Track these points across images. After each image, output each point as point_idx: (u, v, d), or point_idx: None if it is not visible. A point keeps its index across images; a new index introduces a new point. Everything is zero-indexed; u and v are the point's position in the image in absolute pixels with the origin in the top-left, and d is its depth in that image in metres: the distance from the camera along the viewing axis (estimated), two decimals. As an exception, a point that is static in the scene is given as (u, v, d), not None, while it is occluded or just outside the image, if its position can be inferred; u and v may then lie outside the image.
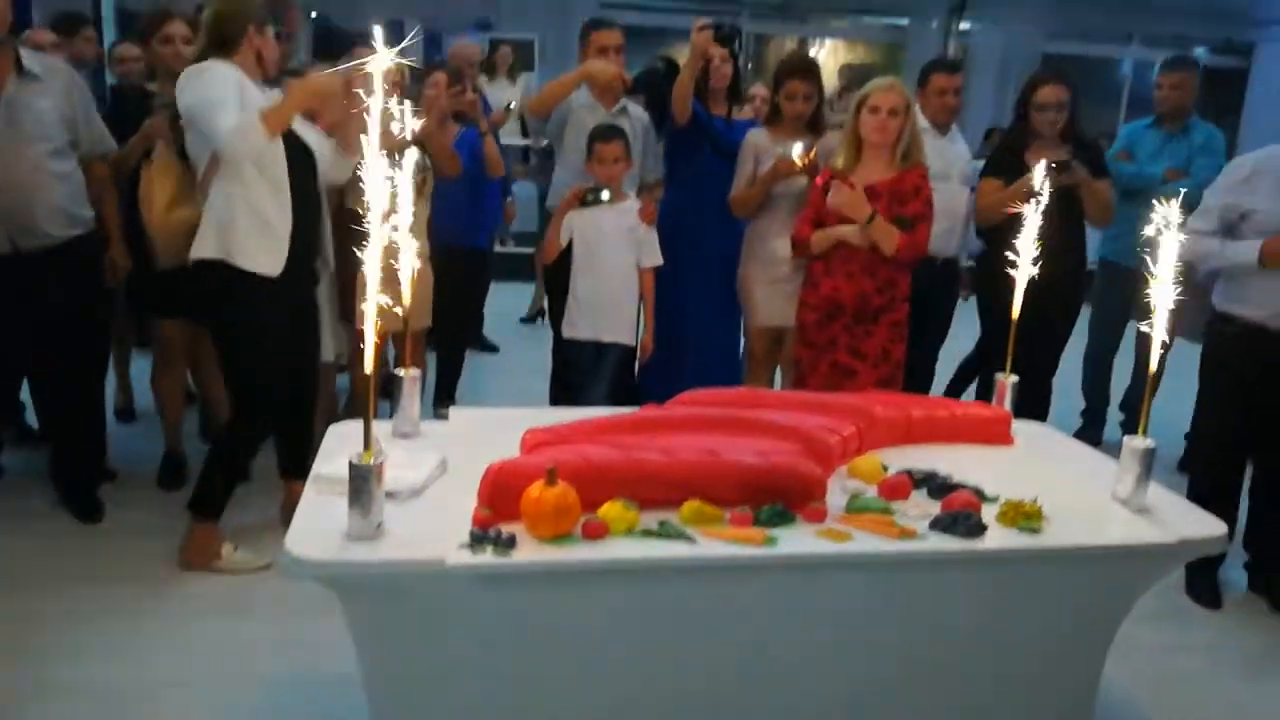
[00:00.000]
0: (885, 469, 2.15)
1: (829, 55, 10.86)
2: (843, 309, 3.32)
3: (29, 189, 3.00)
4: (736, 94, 3.96)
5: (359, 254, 1.63)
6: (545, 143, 4.38)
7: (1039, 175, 2.45)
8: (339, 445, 2.10)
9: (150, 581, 3.01)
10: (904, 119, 3.25)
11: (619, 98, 3.83)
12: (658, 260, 3.68)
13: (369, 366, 1.69)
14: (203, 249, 2.87)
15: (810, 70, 3.67)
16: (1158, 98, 4.43)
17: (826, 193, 3.29)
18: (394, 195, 1.96)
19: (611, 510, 1.83)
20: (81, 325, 3.26)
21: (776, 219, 3.67)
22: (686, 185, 3.93)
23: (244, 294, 2.89)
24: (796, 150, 3.48)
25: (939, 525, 1.92)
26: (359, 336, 1.81)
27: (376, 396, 1.95)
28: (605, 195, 3.52)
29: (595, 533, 1.79)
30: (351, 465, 1.69)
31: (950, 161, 3.94)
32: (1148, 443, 2.08)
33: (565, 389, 3.82)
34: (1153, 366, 2.07)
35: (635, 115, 3.92)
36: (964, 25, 10.16)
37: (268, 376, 2.99)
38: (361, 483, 1.69)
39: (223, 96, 2.73)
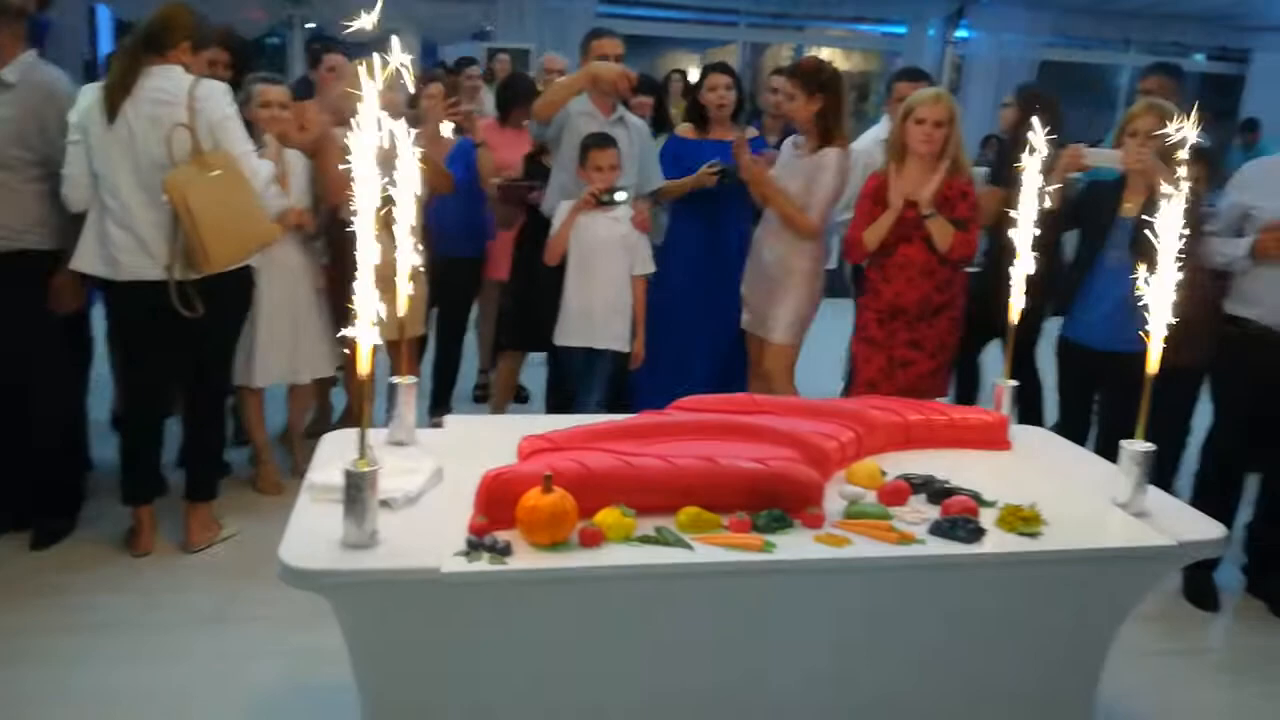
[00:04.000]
0: (883, 474, 2.15)
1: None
2: (905, 311, 3.43)
3: None
4: (738, 118, 4.14)
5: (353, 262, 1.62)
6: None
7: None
8: (334, 454, 2.09)
9: (142, 591, 3.00)
10: (949, 129, 3.31)
11: (625, 98, 3.89)
12: (650, 268, 3.70)
13: (363, 371, 1.68)
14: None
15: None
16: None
17: (874, 198, 3.41)
18: (389, 204, 1.95)
19: (608, 517, 1.82)
20: (24, 344, 3.12)
21: (769, 227, 3.79)
22: (690, 207, 4.06)
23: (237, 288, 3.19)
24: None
25: (938, 530, 1.92)
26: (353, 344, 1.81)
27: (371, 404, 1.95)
28: (621, 196, 3.52)
29: (592, 540, 1.78)
30: (347, 473, 1.68)
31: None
32: (1146, 446, 2.07)
33: (560, 396, 3.82)
34: (1152, 368, 2.06)
35: (633, 124, 3.92)
36: (961, 33, 10.18)
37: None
38: (356, 491, 1.68)
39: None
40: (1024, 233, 2.43)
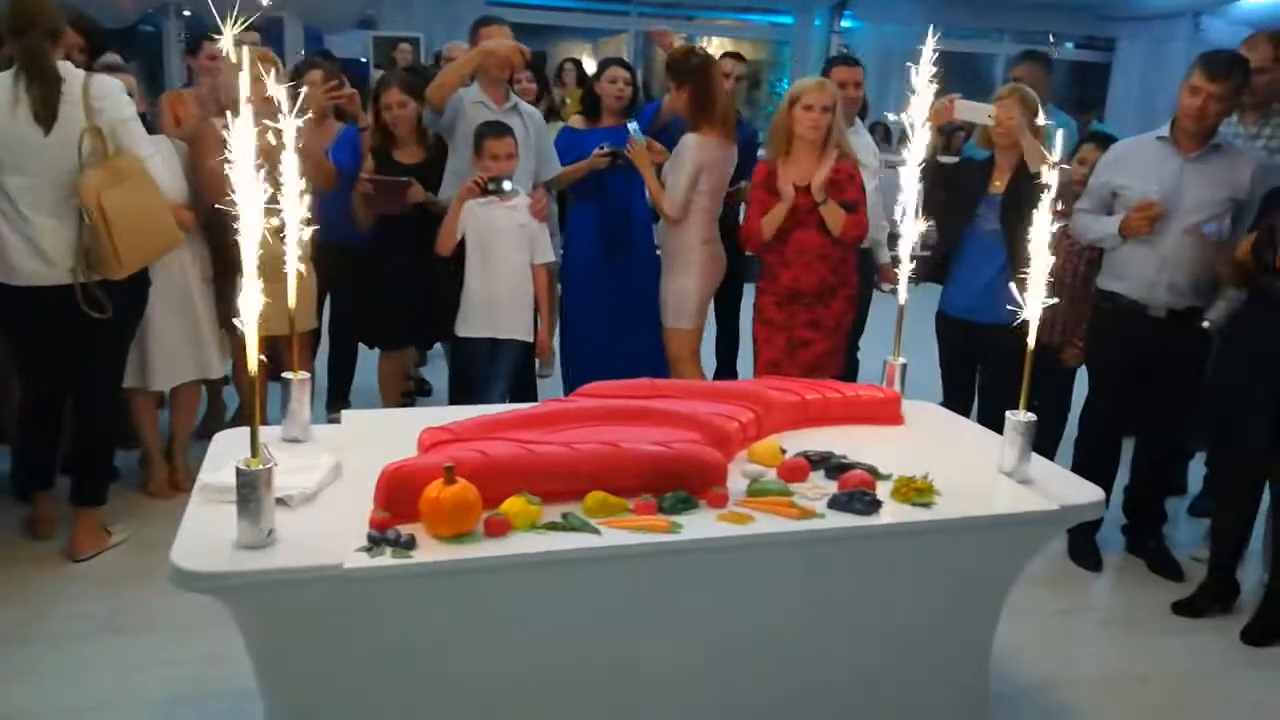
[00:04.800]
0: (784, 452, 2.19)
1: (716, 52, 10.98)
2: (803, 294, 3.50)
3: None
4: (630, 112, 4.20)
5: (235, 257, 1.57)
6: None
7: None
8: (226, 452, 2.02)
9: (31, 604, 2.86)
10: (832, 115, 3.41)
11: (517, 73, 3.91)
12: (550, 257, 3.70)
13: (252, 368, 1.63)
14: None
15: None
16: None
17: (765, 186, 3.47)
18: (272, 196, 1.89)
19: (513, 506, 1.81)
20: None
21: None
22: (586, 194, 4.09)
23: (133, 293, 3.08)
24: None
25: (836, 504, 1.97)
26: (240, 342, 1.76)
27: (264, 401, 1.89)
28: (507, 185, 3.48)
29: (498, 529, 1.76)
30: (239, 471, 1.63)
31: (856, 153, 3.97)
32: (1029, 417, 2.17)
33: (463, 388, 3.78)
34: (1030, 343, 2.16)
35: (527, 112, 3.91)
36: (846, 23, 10.42)
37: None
38: (249, 489, 1.63)
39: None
40: (909, 196, 2.50)
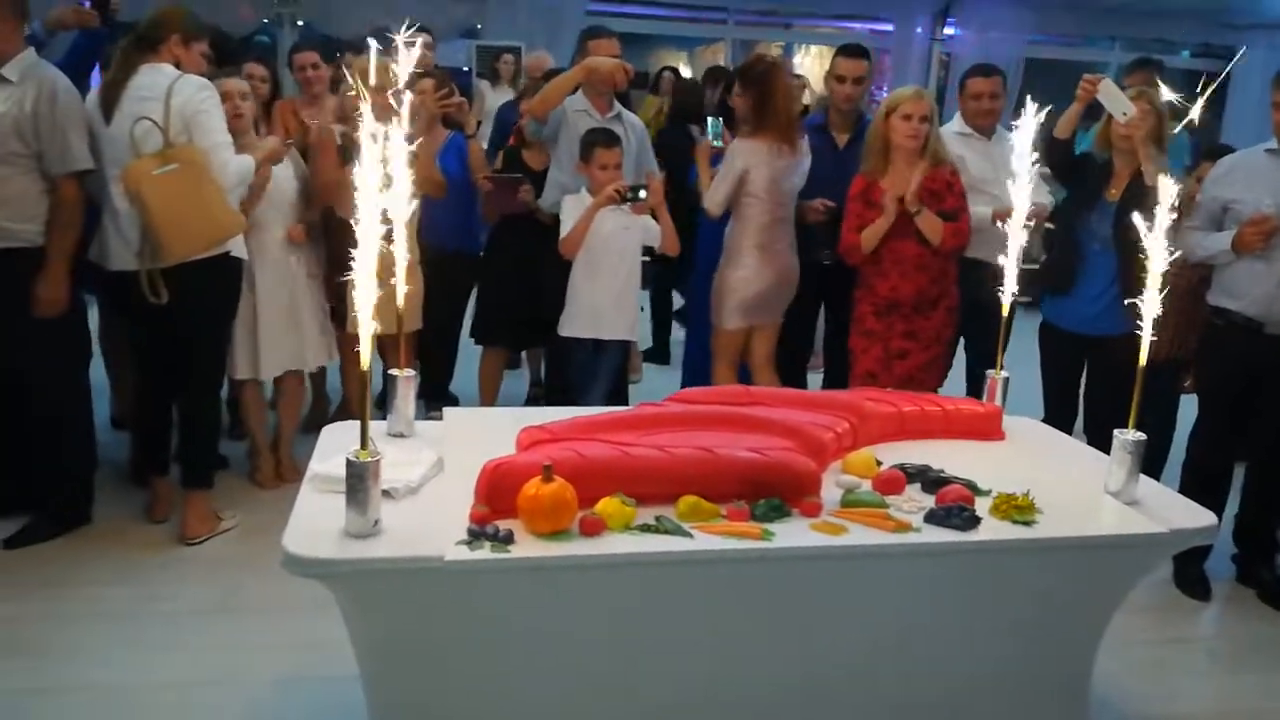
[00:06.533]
0: (879, 464, 2.17)
1: (814, 61, 10.92)
2: (901, 304, 3.48)
3: None
4: None
5: (350, 259, 1.63)
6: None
7: None
8: (334, 445, 2.10)
9: (143, 584, 3.01)
10: (930, 124, 3.39)
11: (620, 89, 3.94)
12: (665, 239, 3.71)
13: (365, 364, 1.69)
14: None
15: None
16: None
17: (862, 199, 3.46)
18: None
19: (608, 506, 1.83)
20: (25, 340, 3.07)
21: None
22: None
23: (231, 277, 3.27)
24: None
25: (933, 518, 1.94)
26: (350, 340, 1.82)
27: (371, 399, 1.96)
28: (643, 194, 3.54)
29: (592, 529, 1.79)
30: (349, 463, 1.69)
31: (998, 165, 3.73)
32: (1138, 436, 2.10)
33: (560, 389, 3.83)
34: (1142, 360, 2.09)
35: (630, 122, 3.95)
36: (948, 31, 10.22)
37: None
38: (358, 480, 1.69)
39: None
40: (1020, 199, 2.46)
